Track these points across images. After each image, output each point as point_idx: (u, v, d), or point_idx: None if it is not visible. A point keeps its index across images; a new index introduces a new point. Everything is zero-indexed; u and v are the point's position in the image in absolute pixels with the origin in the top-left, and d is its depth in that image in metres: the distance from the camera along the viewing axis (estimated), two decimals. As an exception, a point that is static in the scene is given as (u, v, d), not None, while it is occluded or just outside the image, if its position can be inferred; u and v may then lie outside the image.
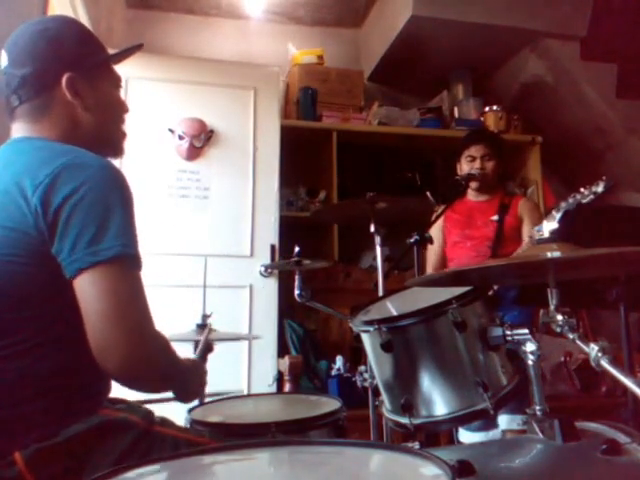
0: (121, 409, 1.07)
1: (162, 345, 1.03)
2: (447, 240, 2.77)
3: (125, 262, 0.97)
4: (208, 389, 1.98)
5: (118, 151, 1.25)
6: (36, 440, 0.94)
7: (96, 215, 0.97)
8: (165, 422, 1.13)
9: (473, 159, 2.68)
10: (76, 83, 1.12)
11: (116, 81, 1.24)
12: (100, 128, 1.17)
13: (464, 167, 2.71)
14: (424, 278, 1.33)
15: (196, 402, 1.84)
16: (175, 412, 1.38)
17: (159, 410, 1.16)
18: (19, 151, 1.08)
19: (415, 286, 1.36)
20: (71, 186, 0.97)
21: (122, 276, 0.96)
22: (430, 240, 1.87)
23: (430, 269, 2.78)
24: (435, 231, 2.76)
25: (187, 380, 1.17)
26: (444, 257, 2.79)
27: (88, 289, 0.94)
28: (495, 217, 2.66)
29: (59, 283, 0.96)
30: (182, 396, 1.20)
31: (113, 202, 1.00)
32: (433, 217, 2.30)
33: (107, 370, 0.95)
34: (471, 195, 2.75)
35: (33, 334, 0.98)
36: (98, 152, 1.13)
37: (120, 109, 1.24)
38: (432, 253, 2.79)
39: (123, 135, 1.25)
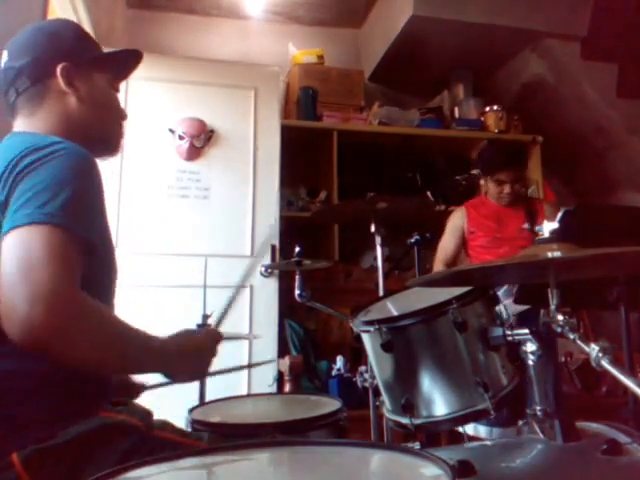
0: (120, 411, 1.06)
1: (84, 314, 0.91)
2: (471, 241, 2.77)
3: (49, 230, 0.91)
4: (208, 390, 2.01)
5: (112, 149, 1.25)
6: (34, 441, 0.93)
7: (41, 185, 0.94)
8: (165, 426, 1.12)
9: (502, 183, 2.65)
10: (71, 73, 1.15)
11: (112, 82, 1.25)
12: (95, 124, 1.19)
13: (490, 188, 2.70)
14: (425, 278, 1.33)
15: (196, 402, 1.85)
16: (175, 412, 1.38)
17: (159, 410, 1.16)
18: (8, 147, 1.07)
19: (416, 286, 1.36)
20: (29, 160, 0.97)
21: (41, 240, 0.89)
22: (430, 240, 1.87)
23: (440, 264, 2.78)
24: (453, 228, 2.77)
25: (166, 360, 1.06)
26: (457, 254, 2.79)
27: (4, 249, 0.90)
28: (526, 225, 2.65)
29: None
30: (173, 378, 1.11)
31: (65, 178, 0.96)
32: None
33: (10, 335, 0.87)
34: (493, 198, 2.74)
35: None
36: (92, 149, 1.14)
37: (116, 110, 1.26)
38: (444, 247, 2.79)
39: (120, 134, 1.26)
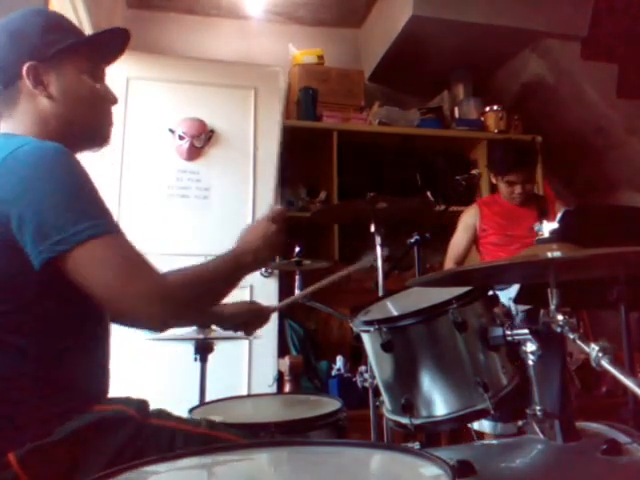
0: (115, 402, 1.06)
1: (184, 293, 1.05)
2: (482, 239, 2.79)
3: (102, 237, 0.97)
4: (208, 390, 2.01)
5: (100, 140, 1.21)
6: (30, 440, 0.92)
7: (44, 205, 0.95)
8: (161, 414, 1.11)
9: (513, 184, 2.68)
10: (39, 72, 1.11)
11: (92, 70, 1.17)
12: (72, 118, 1.14)
13: (502, 189, 2.73)
14: (425, 278, 1.33)
15: (196, 402, 1.85)
16: (175, 412, 1.38)
17: (159, 405, 1.16)
18: None
19: (416, 286, 1.36)
20: (11, 185, 0.96)
21: (113, 247, 0.99)
22: (430, 240, 1.87)
23: (451, 261, 2.80)
24: (466, 226, 2.79)
25: (249, 267, 1.23)
26: (468, 251, 2.81)
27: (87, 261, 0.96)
28: (536, 225, 2.66)
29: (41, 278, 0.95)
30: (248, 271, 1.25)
31: (52, 186, 0.96)
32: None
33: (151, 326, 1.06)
34: (505, 198, 2.76)
35: (22, 332, 0.96)
36: (78, 143, 1.13)
37: (96, 98, 1.18)
38: (456, 244, 2.82)
39: (106, 123, 1.21)
